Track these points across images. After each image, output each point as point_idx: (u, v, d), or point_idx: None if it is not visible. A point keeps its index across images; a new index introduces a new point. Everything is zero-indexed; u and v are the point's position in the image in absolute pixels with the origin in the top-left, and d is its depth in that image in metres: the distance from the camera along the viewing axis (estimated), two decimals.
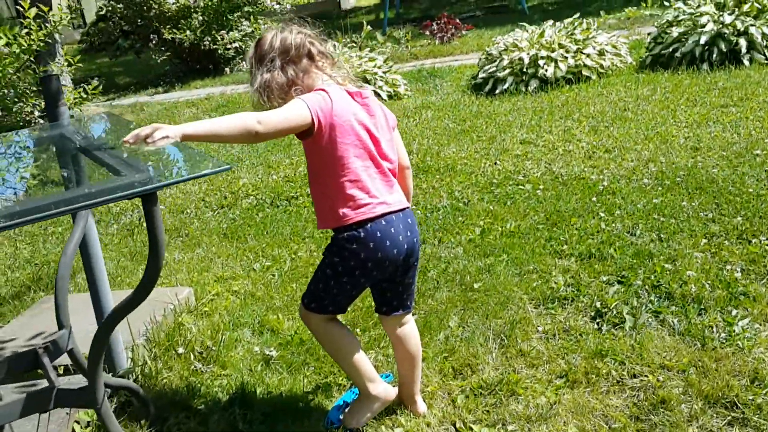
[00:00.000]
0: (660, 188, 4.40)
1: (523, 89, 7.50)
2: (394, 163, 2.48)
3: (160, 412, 2.73)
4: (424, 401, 2.68)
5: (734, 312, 3.03)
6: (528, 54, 7.65)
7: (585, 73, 7.52)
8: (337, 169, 2.33)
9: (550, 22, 8.31)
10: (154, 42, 10.83)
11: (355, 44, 9.71)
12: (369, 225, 2.33)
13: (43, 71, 7.13)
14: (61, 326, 2.34)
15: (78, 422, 2.61)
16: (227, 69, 11.01)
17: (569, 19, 8.18)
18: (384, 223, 2.35)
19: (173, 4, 10.59)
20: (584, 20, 8.24)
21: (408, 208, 2.49)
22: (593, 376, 2.73)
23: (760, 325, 2.94)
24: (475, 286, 3.50)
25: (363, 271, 2.38)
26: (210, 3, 10.57)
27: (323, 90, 2.33)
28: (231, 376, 2.95)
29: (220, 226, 4.83)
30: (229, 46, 10.70)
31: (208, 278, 3.93)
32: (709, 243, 3.64)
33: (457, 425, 2.54)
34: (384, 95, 7.85)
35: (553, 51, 7.64)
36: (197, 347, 3.13)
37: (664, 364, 2.76)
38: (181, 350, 3.10)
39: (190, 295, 3.61)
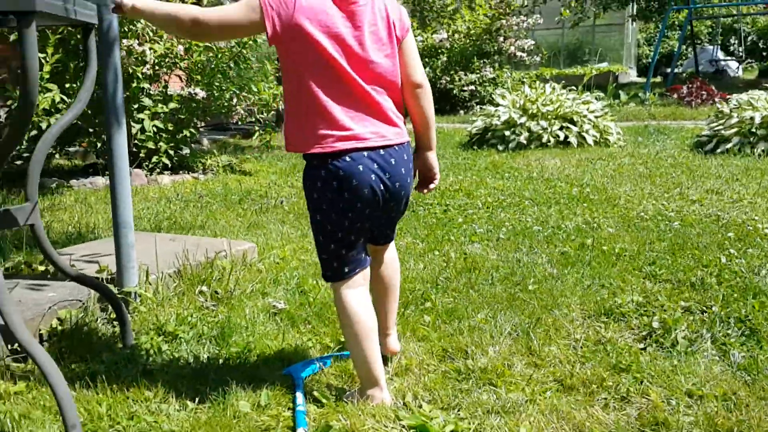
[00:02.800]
0: None
1: (749, 151, 6.63)
2: (389, 84, 2.07)
3: (142, 329, 2.69)
4: (396, 375, 2.35)
5: None
6: (761, 114, 6.76)
7: None
8: (296, 86, 2.02)
9: None
10: None
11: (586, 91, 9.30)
12: (330, 162, 2.00)
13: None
14: (27, 200, 2.39)
15: (60, 320, 2.64)
16: (462, 111, 11.10)
17: None
18: (348, 159, 2.00)
19: (420, 42, 10.97)
20: None
21: (393, 145, 2.06)
22: (594, 387, 2.23)
23: None
24: (530, 287, 3.07)
25: (336, 205, 2.04)
26: (455, 46, 10.79)
27: None
28: (230, 316, 2.83)
29: None
30: (465, 88, 10.79)
31: (291, 247, 3.87)
32: None
33: (406, 399, 2.19)
34: (589, 140, 7.38)
35: None
36: (219, 289, 3.07)
37: (691, 391, 2.18)
38: (204, 288, 3.06)
39: (252, 250, 3.57)
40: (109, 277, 2.96)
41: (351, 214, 2.05)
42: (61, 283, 2.88)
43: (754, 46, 22.82)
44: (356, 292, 2.13)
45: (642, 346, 2.53)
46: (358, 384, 2.22)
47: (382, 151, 2.04)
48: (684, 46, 21.13)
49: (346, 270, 2.11)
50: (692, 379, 2.26)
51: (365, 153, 2.02)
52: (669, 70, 15.15)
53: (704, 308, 2.81)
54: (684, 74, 17.64)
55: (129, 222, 2.82)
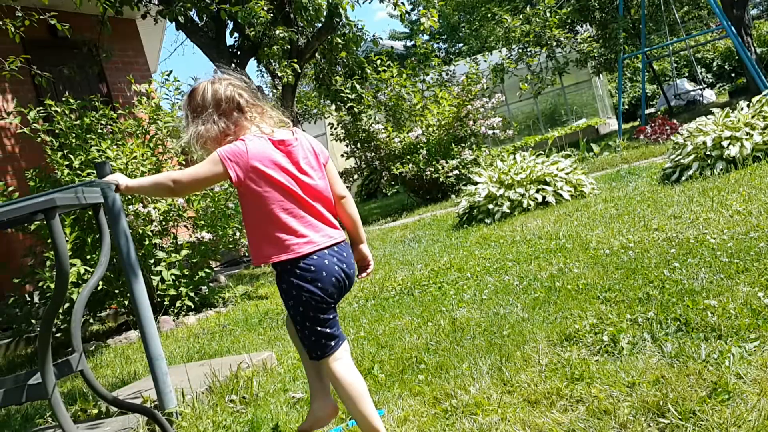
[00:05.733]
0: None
1: (709, 173, 7.17)
2: (326, 199, 2.69)
3: None
4: (397, 426, 2.85)
5: (752, 336, 2.83)
6: (711, 137, 7.35)
7: None
8: (261, 212, 2.59)
9: (743, 103, 7.90)
10: (385, 178, 12.05)
11: (569, 155, 9.96)
12: (301, 262, 2.55)
13: None
14: (66, 346, 2.96)
15: None
16: (453, 195, 11.75)
17: (757, 97, 7.72)
18: (315, 258, 2.56)
19: (399, 143, 11.78)
20: None
21: (339, 242, 2.66)
22: (554, 397, 2.73)
23: None
24: (505, 332, 3.58)
25: (314, 295, 2.57)
26: (431, 138, 11.60)
27: (242, 140, 2.61)
28: (256, 413, 3.35)
29: (353, 313, 5.30)
30: (449, 174, 11.50)
31: None
32: None
33: None
34: (566, 195, 7.95)
35: (737, 130, 7.26)
36: (246, 394, 3.60)
37: (630, 382, 2.67)
38: (233, 396, 3.59)
39: (270, 357, 4.11)
40: (152, 404, 3.50)
41: (326, 297, 2.60)
42: (114, 418, 3.43)
43: (721, 70, 23.71)
44: (343, 362, 2.66)
45: (595, 358, 3.02)
46: None
47: (335, 248, 2.64)
48: (654, 86, 22.02)
49: (332, 344, 2.64)
50: (632, 373, 2.75)
51: (326, 251, 2.61)
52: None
53: (647, 317, 3.31)
54: (658, 113, 18.43)
55: (160, 354, 3.37)
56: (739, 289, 3.36)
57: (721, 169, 7.11)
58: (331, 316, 2.66)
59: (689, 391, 2.48)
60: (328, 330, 2.65)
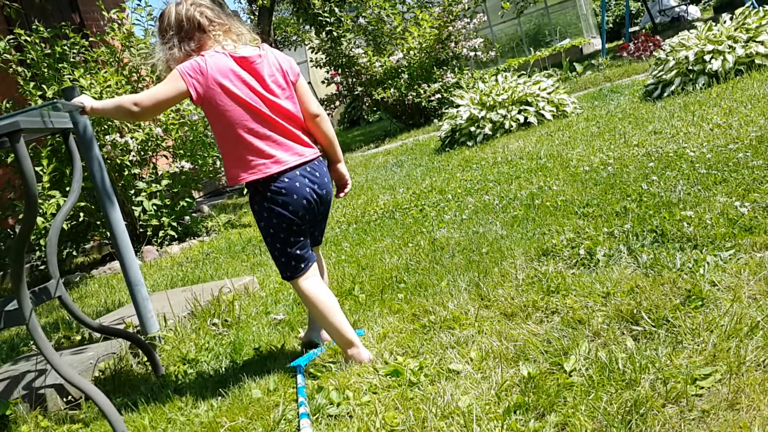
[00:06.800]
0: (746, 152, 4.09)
1: (691, 88, 7.12)
2: (295, 117, 2.63)
3: (169, 362, 3.24)
4: (377, 342, 2.88)
5: (727, 245, 2.84)
6: (694, 51, 7.27)
7: (757, 61, 6.95)
8: (227, 131, 2.54)
9: (726, 16, 7.79)
10: (367, 104, 11.91)
11: (552, 75, 9.85)
12: (272, 184, 2.53)
13: None
14: (49, 278, 2.95)
15: (102, 371, 3.19)
16: (435, 120, 11.65)
17: (740, 9, 7.61)
18: (286, 180, 2.54)
19: (380, 67, 11.59)
20: (762, 7, 7.60)
21: (311, 160, 2.63)
22: (530, 310, 2.75)
23: (745, 254, 2.72)
24: (483, 250, 3.59)
25: (284, 217, 2.58)
26: (413, 62, 11.41)
27: (202, 55, 2.54)
28: (238, 334, 3.37)
29: (335, 237, 5.31)
30: (431, 98, 11.37)
31: None
32: (746, 189, 3.38)
33: (384, 357, 2.71)
34: (548, 115, 7.90)
35: (720, 44, 7.18)
36: (228, 317, 3.62)
37: (605, 292, 2.69)
38: (215, 320, 3.61)
39: (252, 282, 4.12)
40: (135, 330, 3.51)
41: (296, 220, 2.59)
42: (97, 344, 3.45)
43: None
44: (312, 280, 2.68)
45: (571, 271, 3.04)
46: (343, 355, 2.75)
47: (308, 167, 2.61)
48: (638, 4, 21.69)
49: (302, 266, 2.66)
50: (607, 284, 2.77)
51: (297, 171, 2.58)
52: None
53: (624, 230, 3.32)
54: (642, 30, 18.20)
55: (139, 279, 3.37)
56: (716, 199, 3.37)
57: (704, 84, 7.06)
58: (302, 238, 2.66)
59: (663, 300, 2.51)
60: (298, 252, 2.65)
